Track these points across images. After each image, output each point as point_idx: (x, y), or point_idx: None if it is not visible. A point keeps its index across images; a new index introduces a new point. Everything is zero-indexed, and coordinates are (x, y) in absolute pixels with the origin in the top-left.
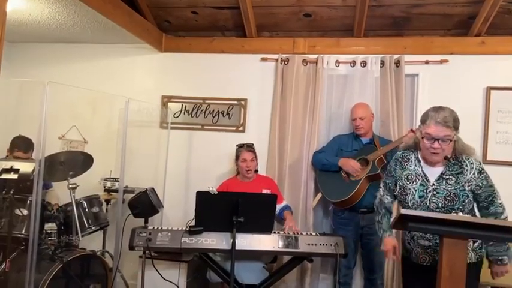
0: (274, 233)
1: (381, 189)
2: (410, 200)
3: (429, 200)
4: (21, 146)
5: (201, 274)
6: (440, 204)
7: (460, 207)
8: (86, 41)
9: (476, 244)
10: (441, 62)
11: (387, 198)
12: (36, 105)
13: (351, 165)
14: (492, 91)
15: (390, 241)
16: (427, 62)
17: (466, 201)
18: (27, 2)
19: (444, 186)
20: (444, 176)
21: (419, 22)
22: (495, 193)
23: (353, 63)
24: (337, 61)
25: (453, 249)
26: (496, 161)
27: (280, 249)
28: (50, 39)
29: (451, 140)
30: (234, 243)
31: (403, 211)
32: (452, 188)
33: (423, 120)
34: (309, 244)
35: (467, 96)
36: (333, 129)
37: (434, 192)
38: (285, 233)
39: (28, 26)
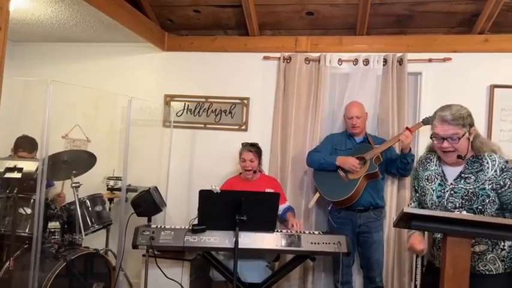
0: (277, 231)
1: (412, 198)
2: (429, 201)
3: (446, 200)
4: (26, 146)
5: (204, 273)
6: (457, 204)
7: (479, 207)
8: (89, 40)
9: (504, 252)
10: (444, 60)
11: (415, 204)
12: (40, 105)
13: (350, 163)
14: (496, 89)
15: (417, 236)
16: (430, 60)
17: (487, 201)
18: (30, 2)
19: (462, 186)
20: (463, 175)
21: (422, 20)
22: None
23: (356, 62)
24: (339, 59)
25: (457, 247)
26: None
27: (283, 248)
28: (52, 39)
29: (460, 138)
30: (236, 242)
31: (406, 209)
32: (471, 186)
33: (432, 119)
34: (311, 243)
35: (471, 94)
36: (335, 127)
37: (452, 192)
38: (288, 231)
39: (31, 26)
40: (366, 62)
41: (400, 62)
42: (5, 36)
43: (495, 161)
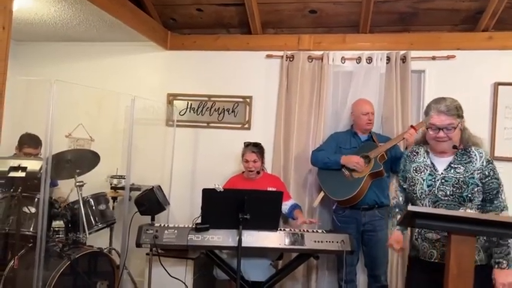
0: (281, 230)
1: (394, 191)
2: (419, 190)
3: (437, 189)
4: (31, 142)
5: (207, 271)
6: (448, 192)
7: (469, 195)
8: (92, 40)
9: (487, 244)
10: (448, 57)
11: (402, 197)
12: (43, 104)
13: (354, 161)
14: (500, 87)
15: (397, 234)
16: (433, 58)
17: (475, 189)
18: (33, 1)
19: (453, 174)
20: (452, 165)
21: (425, 17)
22: (501, 187)
23: (359, 60)
24: (342, 57)
25: (461, 246)
26: (504, 157)
27: (287, 247)
28: (56, 38)
29: (455, 128)
30: (240, 240)
31: (410, 207)
32: (461, 175)
33: (426, 112)
34: (315, 241)
35: (475, 92)
36: (338, 126)
37: (443, 181)
38: (291, 230)
39: (34, 25)
40: (369, 60)
41: (404, 59)
42: (8, 35)
43: (482, 153)
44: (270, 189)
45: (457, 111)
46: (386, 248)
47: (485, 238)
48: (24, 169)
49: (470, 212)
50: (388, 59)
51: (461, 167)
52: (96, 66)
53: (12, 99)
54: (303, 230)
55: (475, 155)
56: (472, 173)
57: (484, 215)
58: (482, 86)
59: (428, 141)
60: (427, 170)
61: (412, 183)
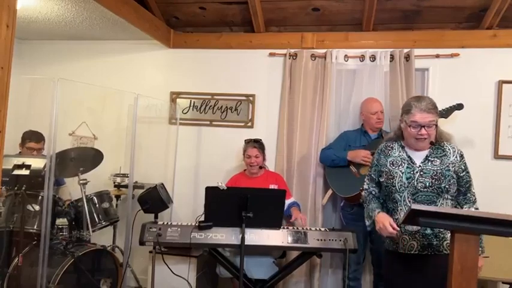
0: (284, 228)
1: (365, 184)
2: (398, 183)
3: (416, 181)
4: (32, 137)
5: (210, 269)
6: (427, 184)
7: (446, 186)
8: (95, 38)
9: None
10: (452, 55)
11: (374, 190)
12: (47, 102)
13: (361, 155)
14: (504, 85)
15: (383, 216)
16: (437, 56)
17: (452, 181)
18: (37, 0)
19: (430, 167)
20: (429, 158)
21: (429, 15)
22: (471, 180)
23: (362, 58)
24: (346, 56)
25: (464, 244)
26: (508, 155)
27: (290, 245)
28: (59, 37)
29: (435, 125)
30: (243, 238)
31: (414, 206)
32: (438, 168)
33: (407, 110)
34: (318, 239)
35: (479, 90)
36: (342, 124)
37: (421, 173)
38: (294, 228)
39: (38, 24)
40: (373, 58)
41: (407, 58)
42: (12, 34)
43: (455, 148)
44: (272, 186)
45: (435, 109)
46: None
47: None
48: (28, 167)
49: (473, 210)
50: (392, 57)
51: (437, 160)
52: (99, 64)
53: (16, 97)
54: (306, 228)
55: (449, 149)
56: (447, 166)
57: (489, 214)
58: (486, 84)
59: (408, 139)
60: (404, 163)
61: (390, 176)
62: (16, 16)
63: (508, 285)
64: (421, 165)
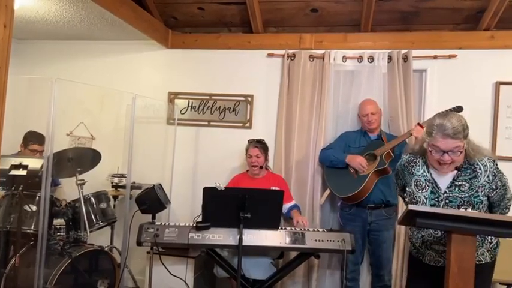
0: (281, 229)
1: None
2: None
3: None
4: (36, 139)
5: (208, 269)
6: None
7: (475, 211)
8: (93, 38)
9: (491, 245)
10: (450, 56)
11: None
12: (45, 102)
13: (357, 161)
14: (501, 86)
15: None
16: (435, 57)
17: (481, 206)
18: (35, 0)
19: (457, 194)
20: (456, 183)
21: (427, 16)
22: (506, 194)
23: (360, 59)
24: (344, 57)
25: (461, 245)
26: (505, 156)
27: (287, 245)
28: (57, 37)
29: (461, 152)
30: (241, 239)
31: (411, 206)
32: (466, 195)
33: (429, 133)
34: (316, 240)
35: (476, 91)
36: (340, 125)
37: (447, 201)
38: (294, 228)
39: (36, 24)
40: (371, 59)
41: (405, 59)
42: (9, 34)
43: (487, 166)
44: (272, 188)
45: (463, 133)
46: (392, 248)
47: (491, 241)
48: (25, 167)
49: (470, 211)
50: (390, 58)
51: (466, 184)
52: (97, 64)
53: (13, 97)
54: (304, 229)
55: (480, 168)
56: (476, 191)
57: (484, 214)
58: (483, 85)
59: (430, 161)
60: (428, 186)
61: (413, 200)
62: (14, 16)
63: (506, 286)
64: (446, 191)
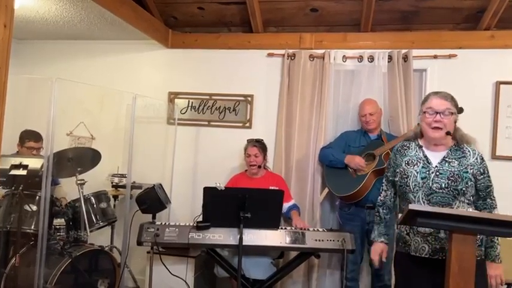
0: (282, 228)
1: (383, 186)
2: (412, 182)
3: (432, 181)
4: (31, 136)
5: (208, 269)
6: (443, 185)
7: (463, 188)
8: (93, 38)
9: (480, 241)
10: (450, 56)
11: (390, 197)
12: (45, 102)
13: (356, 162)
14: (501, 85)
15: (380, 246)
16: (435, 57)
17: (469, 184)
18: (35, 0)
19: (447, 168)
20: (447, 159)
21: (427, 16)
22: (492, 186)
23: (360, 59)
24: (344, 56)
25: (462, 244)
26: (505, 156)
27: (287, 245)
28: (57, 36)
29: (452, 113)
30: (241, 239)
31: (412, 206)
32: (456, 169)
33: (424, 100)
34: (316, 240)
35: (476, 91)
36: (340, 124)
37: (437, 173)
38: (294, 228)
39: (36, 23)
40: (371, 59)
41: (405, 58)
42: (9, 34)
43: (475, 150)
44: (272, 188)
45: (452, 100)
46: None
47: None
48: (25, 167)
49: (471, 210)
50: (390, 57)
51: (455, 161)
52: (97, 64)
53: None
54: (304, 229)
55: (468, 151)
56: (465, 167)
57: (486, 214)
58: (484, 85)
59: (424, 130)
60: (420, 162)
61: (404, 176)
62: (14, 16)
63: (506, 286)
64: (437, 165)
